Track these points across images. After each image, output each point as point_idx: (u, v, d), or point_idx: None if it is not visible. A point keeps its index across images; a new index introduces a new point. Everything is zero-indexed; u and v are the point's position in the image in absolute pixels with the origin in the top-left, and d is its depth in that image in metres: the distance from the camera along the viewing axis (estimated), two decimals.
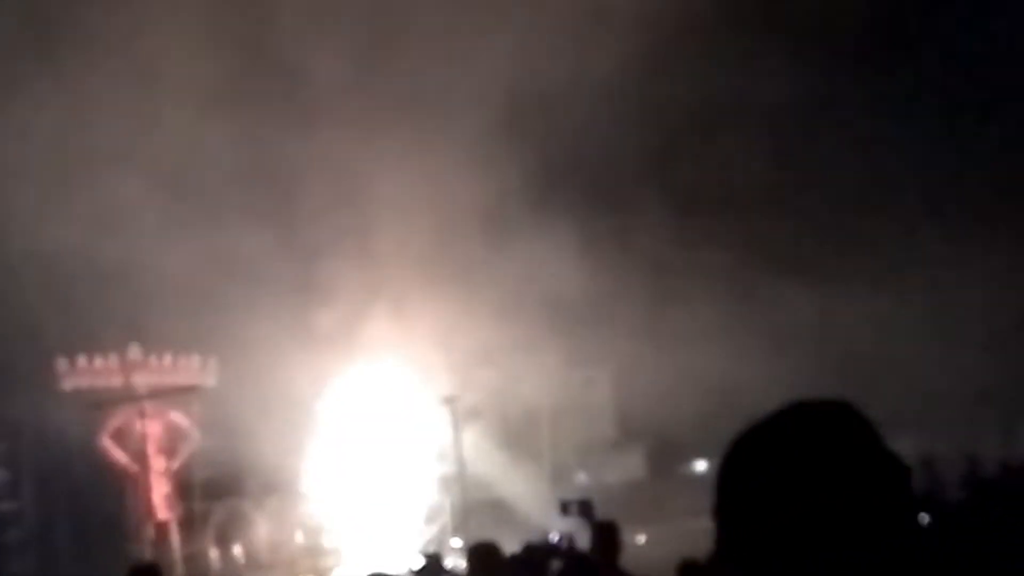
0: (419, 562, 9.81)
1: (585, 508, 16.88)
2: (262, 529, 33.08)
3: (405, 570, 10.33)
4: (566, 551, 10.00)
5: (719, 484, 2.03)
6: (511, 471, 31.48)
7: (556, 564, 9.35)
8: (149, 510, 32.48)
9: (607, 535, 9.18)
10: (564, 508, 16.93)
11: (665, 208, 30.59)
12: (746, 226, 30.52)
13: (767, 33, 30.42)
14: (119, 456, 32.53)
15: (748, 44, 30.15)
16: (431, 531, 31.35)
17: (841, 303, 27.18)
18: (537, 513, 27.98)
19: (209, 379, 33.19)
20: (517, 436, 31.40)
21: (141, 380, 32.93)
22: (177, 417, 33.23)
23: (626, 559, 9.32)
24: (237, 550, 32.52)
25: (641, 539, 18.72)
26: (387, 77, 30.60)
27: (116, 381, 32.62)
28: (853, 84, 31.43)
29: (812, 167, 31.80)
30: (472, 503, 31.19)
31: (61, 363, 31.56)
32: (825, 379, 26.31)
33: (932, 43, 32.13)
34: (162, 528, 32.31)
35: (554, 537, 11.63)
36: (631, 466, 32.38)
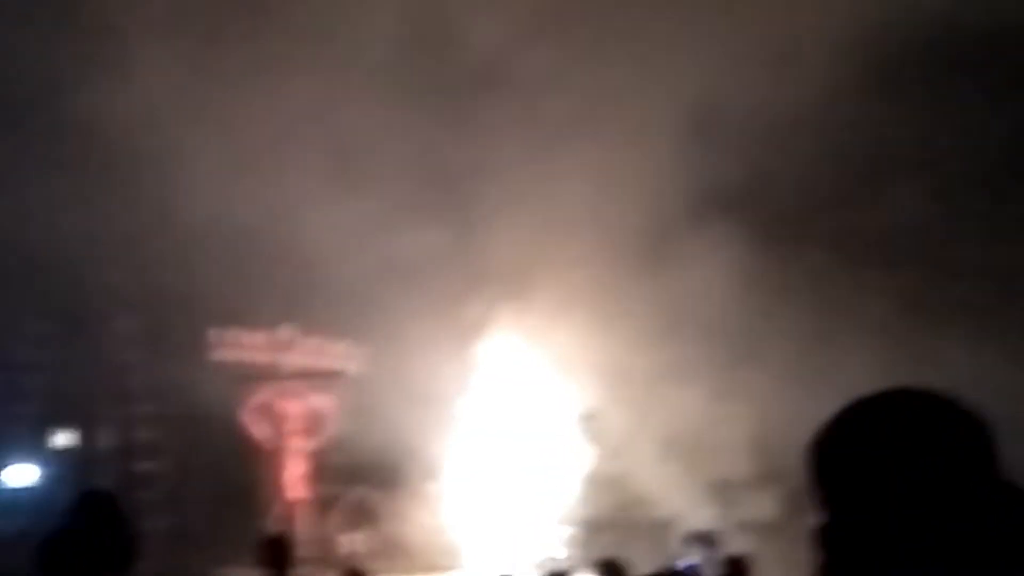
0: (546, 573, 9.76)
1: (711, 540, 16.67)
2: (388, 520, 33.37)
3: None
4: None
5: (818, 459, 2.01)
6: (643, 495, 31.32)
7: None
8: (281, 488, 33.00)
9: (737, 570, 9.13)
10: (690, 538, 16.70)
11: (830, 250, 30.17)
12: (912, 279, 29.93)
13: (964, 79, 29.86)
14: (259, 431, 33.11)
15: (932, 89, 29.59)
16: (557, 542, 31.31)
17: (1002, 363, 26.41)
18: (664, 539, 27.82)
19: (354, 366, 33.60)
20: (651, 463, 31.20)
21: (288, 359, 33.50)
22: (319, 400, 33.72)
23: None
24: (362, 537, 32.87)
25: None
26: (572, 82, 30.69)
27: (264, 357, 33.24)
28: None
29: (990, 225, 31.05)
30: (601, 520, 31.11)
31: (214, 334, 32.23)
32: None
33: None
34: (292, 507, 32.81)
35: (682, 564, 11.54)
36: (764, 507, 31.92)
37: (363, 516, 33.52)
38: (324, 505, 33.33)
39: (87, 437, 33.80)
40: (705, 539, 16.61)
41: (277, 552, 8.87)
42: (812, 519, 2.01)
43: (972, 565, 1.85)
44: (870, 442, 1.92)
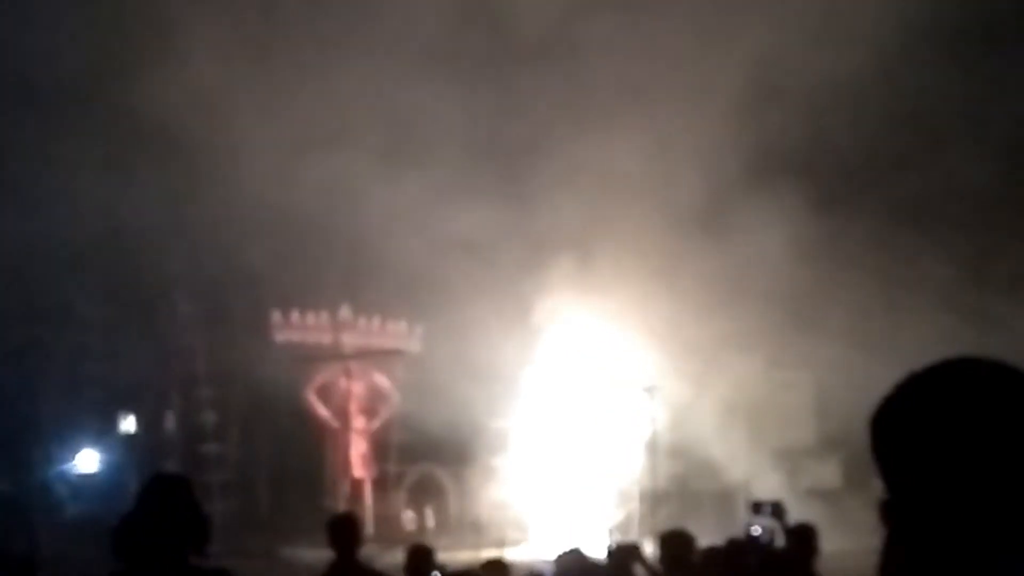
0: (615, 545, 9.85)
1: (777, 510, 16.60)
2: (452, 496, 33.52)
3: (600, 551, 10.36)
4: (765, 547, 9.92)
5: (878, 433, 2.03)
6: (706, 465, 31.26)
7: (752, 559, 9.28)
8: (346, 467, 33.20)
9: (805, 537, 9.13)
10: (756, 508, 16.62)
11: (887, 215, 29.94)
12: (971, 242, 29.66)
13: (1016, 44, 29.53)
14: (322, 411, 33.32)
15: (994, 54, 29.25)
16: (619, 516, 31.30)
17: None
18: (729, 509, 27.74)
19: (415, 344, 33.73)
20: (713, 433, 31.12)
21: (349, 340, 33.69)
22: (380, 379, 33.88)
23: None
24: (427, 515, 33.00)
25: (827, 548, 18.33)
26: (628, 50, 30.58)
27: (325, 338, 33.43)
28: None
29: None
30: (664, 493, 31.06)
31: (275, 316, 32.45)
32: None
33: None
34: (357, 485, 33.00)
35: (756, 531, 11.51)
36: (826, 474, 31.81)
37: (429, 493, 33.67)
38: (389, 483, 33.50)
39: (153, 422, 34.19)
40: (771, 509, 16.52)
41: (345, 531, 8.90)
42: (878, 492, 2.02)
43: None
44: (930, 415, 1.92)
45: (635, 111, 30.28)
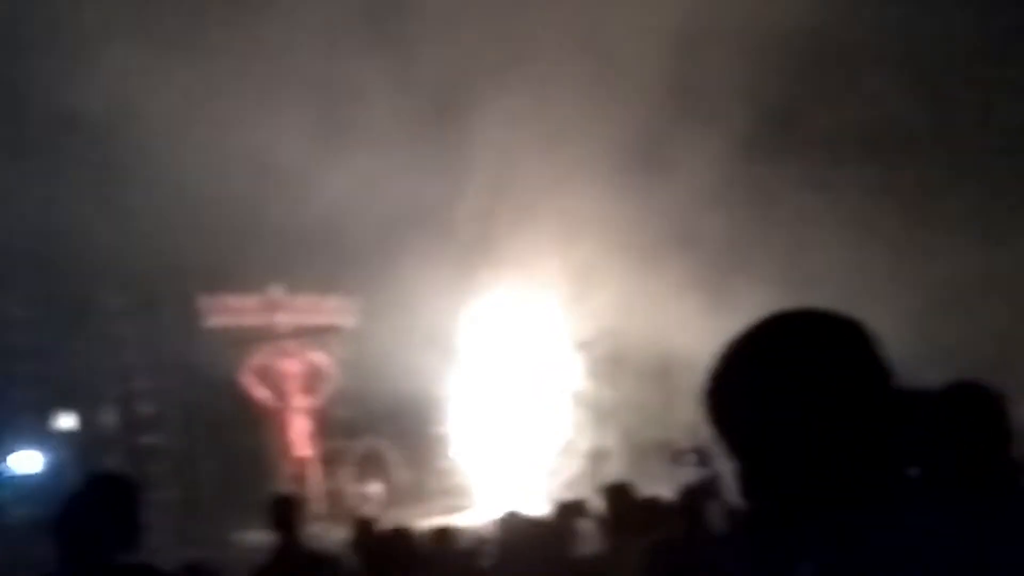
0: (560, 504, 9.86)
1: (702, 456, 16.46)
2: (399, 468, 33.50)
3: (543, 510, 10.36)
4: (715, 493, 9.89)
5: (711, 392, 2.01)
6: (643, 419, 31.40)
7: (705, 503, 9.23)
8: (289, 447, 33.08)
9: None
10: (678, 457, 16.53)
11: (809, 153, 30.06)
12: (896, 173, 29.84)
13: None
14: (260, 393, 33.15)
15: None
16: (564, 474, 31.40)
17: (1001, 258, 26.34)
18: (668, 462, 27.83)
19: (350, 319, 33.59)
20: (650, 383, 31.25)
21: (283, 319, 33.49)
22: (317, 356, 33.75)
23: None
24: (375, 488, 32.98)
25: None
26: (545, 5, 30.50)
27: (258, 320, 33.22)
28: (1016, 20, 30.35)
29: (967, 111, 30.88)
30: (606, 448, 31.20)
31: (204, 301, 32.15)
32: (984, 338, 25.56)
33: None
34: (301, 465, 32.91)
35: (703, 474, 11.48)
36: None
37: (373, 467, 33.63)
38: (333, 460, 33.42)
39: (89, 417, 33.81)
40: (699, 456, 16.52)
41: (286, 512, 8.81)
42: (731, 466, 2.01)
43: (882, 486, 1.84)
44: (753, 382, 1.91)
45: (562, 61, 30.16)
